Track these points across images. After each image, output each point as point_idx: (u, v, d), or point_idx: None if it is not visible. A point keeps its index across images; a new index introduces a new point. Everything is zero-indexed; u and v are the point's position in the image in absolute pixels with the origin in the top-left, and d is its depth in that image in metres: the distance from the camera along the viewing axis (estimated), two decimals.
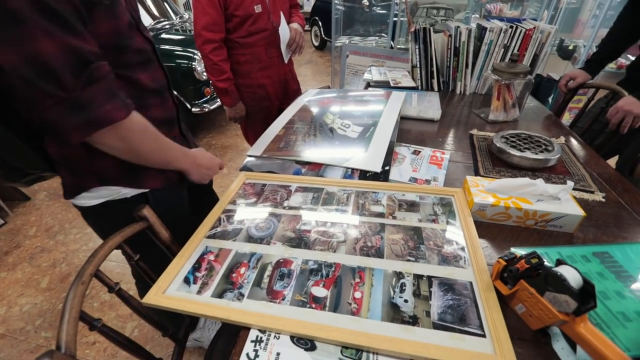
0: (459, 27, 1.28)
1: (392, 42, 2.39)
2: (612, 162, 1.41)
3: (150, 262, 0.67)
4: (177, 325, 0.76)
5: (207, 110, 2.54)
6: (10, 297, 1.58)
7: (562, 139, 1.00)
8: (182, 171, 0.76)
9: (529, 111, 1.24)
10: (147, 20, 2.75)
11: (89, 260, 0.51)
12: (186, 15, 3.25)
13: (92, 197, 0.69)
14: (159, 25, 2.82)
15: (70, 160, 0.64)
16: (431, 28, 1.31)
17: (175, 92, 2.56)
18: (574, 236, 0.65)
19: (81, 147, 0.61)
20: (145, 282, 0.69)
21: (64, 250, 1.83)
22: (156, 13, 2.93)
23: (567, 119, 1.78)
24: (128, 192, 0.71)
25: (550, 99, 1.77)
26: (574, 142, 1.01)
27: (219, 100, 2.51)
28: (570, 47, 2.43)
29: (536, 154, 0.84)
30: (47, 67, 0.46)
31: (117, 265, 1.67)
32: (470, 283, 0.53)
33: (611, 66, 2.58)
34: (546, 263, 0.47)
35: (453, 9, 1.61)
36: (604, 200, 0.74)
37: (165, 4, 3.08)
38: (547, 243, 0.64)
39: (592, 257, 0.58)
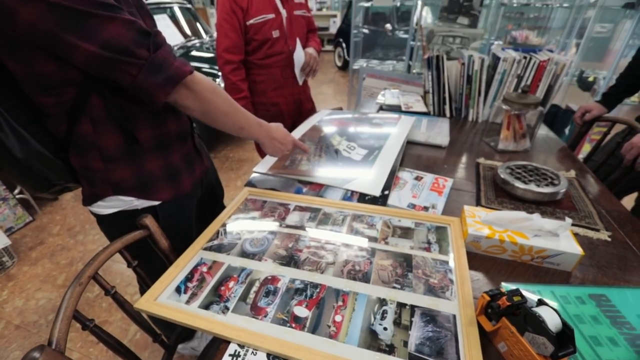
0: (472, 56, 1.30)
1: (410, 63, 2.42)
2: (631, 199, 1.35)
3: (152, 268, 0.71)
4: (172, 332, 0.79)
5: None
6: (29, 291, 1.67)
7: (573, 173, 0.97)
8: (256, 140, 0.80)
9: (542, 142, 1.22)
10: (179, 38, 2.94)
11: (89, 263, 0.55)
12: (215, 34, 3.44)
13: (106, 206, 0.74)
14: (189, 43, 3.01)
15: (89, 171, 0.70)
16: (444, 56, 1.33)
17: None
18: (571, 275, 0.63)
19: (100, 159, 0.68)
20: (147, 287, 0.72)
21: (82, 249, 1.92)
22: (188, 32, 3.12)
23: (587, 149, 1.72)
24: (139, 203, 0.76)
25: (567, 130, 1.73)
26: (585, 176, 0.98)
27: None
28: (590, 79, 2.37)
29: (540, 187, 0.82)
30: (121, 46, 0.54)
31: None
32: (454, 316, 0.52)
33: (633, 99, 2.48)
34: (532, 302, 0.46)
35: (469, 38, 1.63)
36: (609, 239, 0.72)
37: (198, 23, 3.29)
38: (543, 280, 0.62)
39: (587, 299, 0.56)
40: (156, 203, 0.78)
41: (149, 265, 0.73)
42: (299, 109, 1.68)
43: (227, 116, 0.72)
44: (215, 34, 3.45)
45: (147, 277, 0.69)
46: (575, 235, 0.72)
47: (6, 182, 2.01)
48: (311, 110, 1.73)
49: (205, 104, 0.67)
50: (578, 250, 0.61)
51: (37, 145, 0.64)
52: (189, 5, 3.29)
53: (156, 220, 0.78)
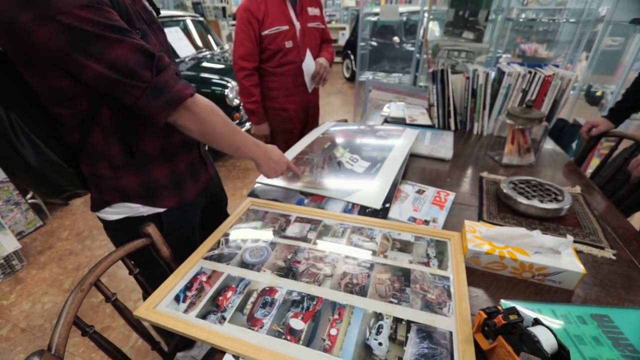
0: (476, 70, 1.30)
1: (416, 75, 2.44)
2: None
3: (155, 274, 0.72)
4: (173, 339, 0.79)
5: None
6: (36, 294, 1.69)
7: (578, 189, 0.96)
8: (252, 160, 0.82)
9: (547, 156, 1.21)
10: (190, 50, 3.02)
11: (91, 270, 0.56)
12: (226, 46, 3.53)
13: (113, 213, 0.77)
14: (200, 55, 3.09)
15: (98, 178, 0.72)
16: (448, 70, 1.34)
17: None
18: (573, 294, 0.62)
19: (109, 167, 0.71)
20: (149, 294, 0.73)
21: (89, 254, 1.95)
22: (200, 43, 3.21)
23: (595, 163, 1.69)
24: (145, 210, 0.78)
25: (574, 145, 1.71)
26: (591, 192, 0.97)
27: (246, 124, 2.66)
28: (598, 93, 2.34)
29: (544, 202, 0.82)
30: (126, 67, 0.56)
31: None
32: (450, 333, 0.51)
33: None
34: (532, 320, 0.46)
35: (474, 52, 1.64)
36: (614, 257, 0.70)
37: (209, 36, 3.38)
38: (544, 298, 0.61)
39: (589, 319, 0.55)
40: (161, 210, 0.80)
41: (153, 272, 0.74)
42: (307, 114, 1.78)
43: (225, 137, 0.73)
44: (225, 46, 3.55)
45: (150, 284, 0.70)
46: (579, 252, 0.71)
47: (19, 187, 2.06)
48: (316, 116, 1.84)
49: (203, 125, 0.69)
50: (580, 268, 0.60)
51: (51, 154, 0.67)
52: (201, 19, 3.39)
53: (161, 227, 0.80)
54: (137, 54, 0.57)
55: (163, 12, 3.02)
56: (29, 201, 2.15)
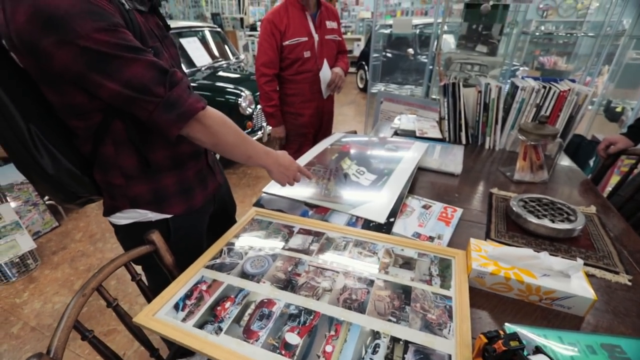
0: (489, 84, 1.29)
1: (429, 85, 2.43)
2: None
3: (162, 279, 0.73)
4: (172, 345, 0.79)
5: None
6: (47, 294, 1.74)
7: (593, 209, 0.92)
8: (264, 167, 0.83)
9: (562, 174, 1.17)
10: (207, 60, 3.11)
11: (94, 276, 0.57)
12: (242, 56, 3.61)
13: (124, 218, 0.79)
14: (217, 64, 3.17)
15: (111, 186, 0.75)
16: (460, 83, 1.32)
17: None
18: (583, 320, 0.59)
19: (121, 176, 0.74)
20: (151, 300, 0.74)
21: (100, 257, 1.99)
22: (216, 53, 3.30)
23: (615, 181, 1.62)
24: (153, 216, 0.80)
25: (591, 162, 1.65)
26: (607, 212, 0.93)
27: (258, 133, 2.70)
28: (619, 109, 2.26)
29: (555, 222, 0.79)
30: (140, 85, 0.59)
31: None
32: (450, 356, 0.50)
33: None
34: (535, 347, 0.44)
35: (487, 65, 1.62)
36: (630, 283, 0.67)
37: (226, 46, 3.47)
38: (552, 324, 0.58)
39: (599, 349, 0.52)
40: (169, 216, 0.81)
41: (161, 276, 0.76)
42: (321, 120, 1.89)
43: (236, 147, 0.75)
44: (241, 56, 3.64)
45: (157, 287, 0.70)
46: (591, 276, 0.68)
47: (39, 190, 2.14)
48: (330, 122, 1.96)
49: (215, 137, 0.70)
50: (590, 293, 0.57)
51: (67, 163, 0.71)
52: (218, 29, 3.49)
53: (168, 233, 0.82)
54: (151, 71, 0.60)
55: (183, 23, 3.13)
56: (47, 202, 2.22)
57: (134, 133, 0.69)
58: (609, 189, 1.57)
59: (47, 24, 0.51)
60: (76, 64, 0.54)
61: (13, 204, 2.00)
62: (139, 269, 0.82)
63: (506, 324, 0.57)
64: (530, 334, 0.53)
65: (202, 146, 0.72)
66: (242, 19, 6.47)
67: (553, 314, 0.60)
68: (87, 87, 0.59)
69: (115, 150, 0.71)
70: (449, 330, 0.54)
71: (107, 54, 0.55)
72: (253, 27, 6.57)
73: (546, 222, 0.79)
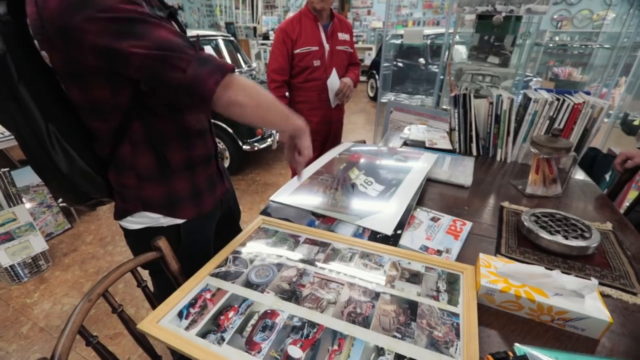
0: (500, 95, 1.27)
1: (439, 94, 2.42)
2: None
3: (166, 288, 0.73)
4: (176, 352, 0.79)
5: (256, 148, 2.76)
6: (57, 295, 1.76)
7: (609, 225, 0.89)
8: (297, 130, 0.80)
9: (577, 188, 1.14)
10: None
11: (101, 281, 0.58)
12: (254, 64, 3.67)
13: (135, 222, 0.80)
14: None
15: (124, 187, 0.77)
16: (471, 94, 1.31)
17: (230, 130, 2.82)
18: (598, 343, 0.56)
19: (135, 177, 0.75)
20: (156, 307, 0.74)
21: (109, 260, 2.02)
22: (228, 61, 3.36)
23: (633, 196, 1.57)
24: (165, 221, 0.81)
25: (607, 177, 1.60)
26: (624, 230, 0.90)
27: (268, 141, 2.73)
28: (636, 122, 2.20)
29: (568, 239, 0.76)
30: (171, 44, 0.59)
31: None
32: None
33: None
34: None
35: (499, 77, 1.61)
36: None
37: (238, 54, 3.54)
38: (565, 346, 0.56)
39: None
40: (180, 221, 0.82)
41: (166, 282, 0.76)
42: (329, 128, 1.92)
43: (275, 106, 0.71)
44: (253, 64, 3.70)
45: (165, 292, 0.71)
46: (607, 297, 0.66)
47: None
48: (339, 130, 1.99)
49: (256, 96, 0.67)
50: (605, 315, 0.55)
51: (82, 163, 0.72)
52: (231, 38, 3.57)
53: (178, 239, 0.82)
54: (177, 36, 0.61)
55: (197, 32, 3.21)
56: (60, 205, 2.27)
57: (153, 132, 0.71)
58: (626, 204, 1.52)
59: (77, 4, 0.54)
60: (106, 36, 0.56)
61: (28, 205, 2.05)
62: (145, 274, 0.83)
63: (516, 344, 0.55)
64: (541, 356, 0.50)
65: (243, 116, 0.67)
66: (255, 28, 6.60)
67: (566, 336, 0.58)
68: (117, 63, 0.59)
69: (132, 150, 0.72)
70: (456, 349, 0.52)
71: (135, 19, 0.57)
72: (265, 36, 6.69)
73: (559, 238, 0.77)
